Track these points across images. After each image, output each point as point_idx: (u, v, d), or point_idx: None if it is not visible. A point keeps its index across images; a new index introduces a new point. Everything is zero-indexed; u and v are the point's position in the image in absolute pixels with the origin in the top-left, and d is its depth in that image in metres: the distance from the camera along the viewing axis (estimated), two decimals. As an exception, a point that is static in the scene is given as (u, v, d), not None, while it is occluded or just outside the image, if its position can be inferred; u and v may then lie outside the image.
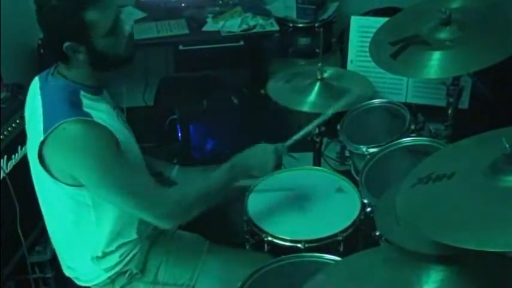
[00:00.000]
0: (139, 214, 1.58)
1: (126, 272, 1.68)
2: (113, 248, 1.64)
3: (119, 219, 1.61)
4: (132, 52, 1.58)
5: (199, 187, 1.63)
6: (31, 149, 1.55)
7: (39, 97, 1.55)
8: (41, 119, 1.49)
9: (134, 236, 1.66)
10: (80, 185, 1.51)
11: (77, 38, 1.46)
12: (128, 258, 1.67)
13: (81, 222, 1.60)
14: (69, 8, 1.42)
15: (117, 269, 1.67)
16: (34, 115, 1.54)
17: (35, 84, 1.61)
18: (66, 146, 1.46)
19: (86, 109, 1.50)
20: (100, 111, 1.54)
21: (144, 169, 1.68)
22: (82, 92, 1.54)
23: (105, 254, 1.64)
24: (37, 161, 1.50)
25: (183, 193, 1.61)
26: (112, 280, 1.68)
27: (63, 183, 1.52)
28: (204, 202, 1.63)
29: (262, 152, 1.72)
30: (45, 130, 1.45)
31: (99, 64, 1.53)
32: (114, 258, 1.66)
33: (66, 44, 1.46)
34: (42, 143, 1.46)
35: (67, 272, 1.75)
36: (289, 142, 1.78)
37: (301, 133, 1.81)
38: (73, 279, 1.74)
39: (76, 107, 1.49)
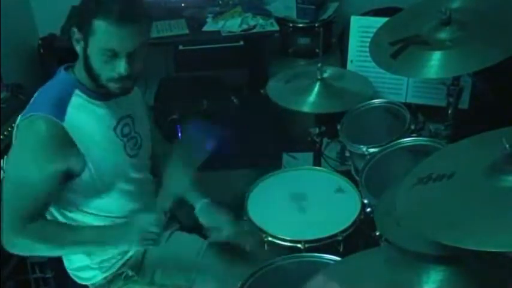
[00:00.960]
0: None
1: (122, 273, 1.68)
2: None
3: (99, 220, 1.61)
4: (114, 91, 1.52)
5: (59, 239, 1.53)
6: None
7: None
8: (28, 105, 1.53)
9: None
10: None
11: (81, 32, 1.47)
12: (124, 260, 1.68)
13: (65, 217, 1.61)
14: (90, 4, 1.44)
15: (113, 270, 1.68)
16: None
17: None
18: (19, 134, 1.51)
19: (69, 108, 1.50)
20: (89, 114, 1.54)
21: (118, 184, 1.62)
22: (77, 91, 1.54)
23: (91, 254, 1.65)
24: None
25: (44, 234, 1.51)
26: (108, 281, 1.69)
27: None
28: (54, 251, 1.58)
29: (134, 224, 1.56)
30: (22, 115, 1.51)
31: (87, 69, 1.50)
32: (109, 259, 1.66)
33: (74, 29, 1.48)
34: (16, 126, 1.52)
35: (68, 268, 1.75)
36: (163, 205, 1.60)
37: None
38: (73, 276, 1.75)
39: (60, 104, 1.50)
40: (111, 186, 1.59)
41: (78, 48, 1.50)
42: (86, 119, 1.52)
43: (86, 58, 1.48)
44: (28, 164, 1.48)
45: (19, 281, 2.16)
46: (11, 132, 2.11)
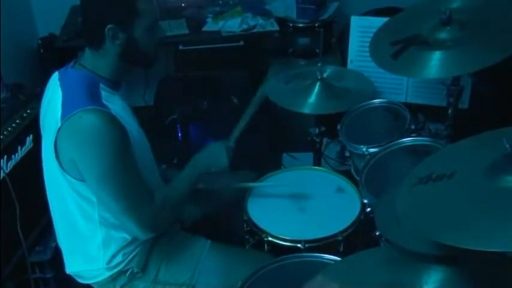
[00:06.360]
0: (124, 217, 1.56)
1: (127, 271, 1.68)
2: (115, 246, 1.64)
3: None
4: (157, 56, 1.64)
5: (177, 190, 1.67)
6: (47, 139, 1.57)
7: (58, 88, 1.56)
8: (60, 107, 1.50)
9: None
10: (84, 180, 1.52)
11: (122, 24, 1.51)
12: (130, 257, 1.68)
13: (86, 218, 1.61)
14: None
15: (119, 267, 1.67)
16: (52, 105, 1.55)
17: (54, 77, 1.63)
18: (79, 135, 1.47)
19: (104, 101, 1.52)
20: (117, 105, 1.57)
21: (149, 172, 1.67)
22: (101, 85, 1.56)
23: (107, 252, 1.64)
24: (51, 150, 1.51)
25: (166, 197, 1.63)
26: (113, 279, 1.69)
27: (70, 175, 1.53)
28: (180, 205, 1.71)
29: (214, 150, 1.78)
30: (62, 117, 1.47)
31: (128, 57, 1.57)
32: (117, 256, 1.66)
33: (109, 26, 1.49)
34: (59, 130, 1.47)
35: (69, 269, 1.75)
36: (234, 135, 1.87)
37: (242, 124, 1.90)
38: (74, 277, 1.75)
39: (95, 97, 1.51)
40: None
41: (117, 42, 1.52)
42: (116, 109, 1.54)
43: (131, 42, 1.53)
44: (111, 150, 1.48)
45: (19, 281, 2.16)
46: (11, 132, 2.11)
